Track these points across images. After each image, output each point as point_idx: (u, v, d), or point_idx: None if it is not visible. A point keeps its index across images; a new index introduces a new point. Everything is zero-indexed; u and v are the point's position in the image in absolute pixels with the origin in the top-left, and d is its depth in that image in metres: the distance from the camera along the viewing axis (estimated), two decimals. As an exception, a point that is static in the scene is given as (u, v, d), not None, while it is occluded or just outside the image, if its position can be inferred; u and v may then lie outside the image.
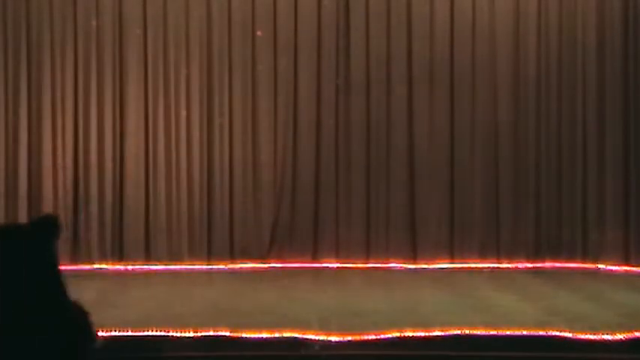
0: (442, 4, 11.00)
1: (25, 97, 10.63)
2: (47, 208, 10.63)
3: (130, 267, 10.62)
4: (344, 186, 10.97)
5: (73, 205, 10.71)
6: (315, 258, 10.87)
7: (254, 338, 7.10)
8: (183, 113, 10.91)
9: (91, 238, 10.71)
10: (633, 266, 10.65)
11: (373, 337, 7.12)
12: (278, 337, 7.11)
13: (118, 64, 10.81)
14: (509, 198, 11.02)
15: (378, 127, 11.00)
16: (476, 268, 10.76)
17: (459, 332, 7.22)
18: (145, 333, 7.18)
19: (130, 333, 7.17)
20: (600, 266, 10.77)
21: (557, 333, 7.21)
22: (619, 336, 7.15)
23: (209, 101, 10.93)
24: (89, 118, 10.77)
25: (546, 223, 11.01)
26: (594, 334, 7.16)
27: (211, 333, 7.17)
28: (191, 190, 10.89)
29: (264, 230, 10.93)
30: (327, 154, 10.96)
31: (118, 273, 10.43)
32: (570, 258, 10.91)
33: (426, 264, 10.81)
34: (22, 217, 10.56)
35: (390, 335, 7.13)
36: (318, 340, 7.08)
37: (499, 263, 10.89)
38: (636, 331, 7.24)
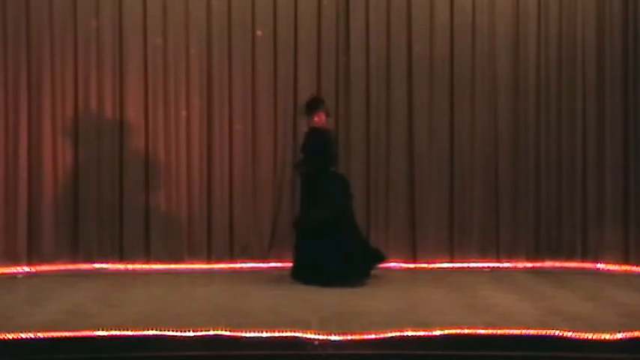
0: (442, 3, 11.00)
1: (25, 97, 10.64)
2: (47, 207, 10.64)
3: (130, 267, 10.63)
4: (344, 186, 10.97)
5: (73, 205, 10.71)
6: (315, 258, 10.86)
7: (254, 338, 7.10)
8: (183, 113, 10.91)
9: (91, 238, 10.71)
10: (633, 266, 10.66)
11: (373, 337, 7.11)
12: (278, 337, 7.11)
13: (117, 64, 10.81)
14: (509, 198, 11.02)
15: (378, 127, 11.00)
16: (476, 268, 10.77)
17: (459, 332, 7.22)
18: (145, 333, 7.18)
19: (130, 333, 7.17)
20: (600, 266, 10.77)
21: (557, 333, 7.20)
22: (619, 336, 7.15)
23: (209, 101, 10.94)
24: (89, 117, 10.76)
25: (546, 223, 11.02)
26: (594, 334, 7.16)
27: (211, 333, 7.17)
28: (191, 190, 10.89)
29: (264, 230, 10.93)
30: (327, 154, 10.96)
31: (118, 273, 10.43)
32: (570, 258, 10.93)
33: (426, 264, 10.83)
34: (22, 217, 10.57)
35: (390, 335, 7.13)
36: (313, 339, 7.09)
37: (499, 263, 10.90)
38: (636, 331, 7.24)
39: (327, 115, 9.90)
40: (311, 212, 9.63)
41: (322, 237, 9.47)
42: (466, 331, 7.24)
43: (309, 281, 9.41)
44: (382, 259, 9.84)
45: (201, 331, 7.18)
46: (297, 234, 9.82)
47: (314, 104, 9.87)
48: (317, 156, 9.66)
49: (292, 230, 10.06)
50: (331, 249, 9.44)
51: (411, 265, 10.82)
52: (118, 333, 7.15)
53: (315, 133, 9.74)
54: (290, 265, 9.87)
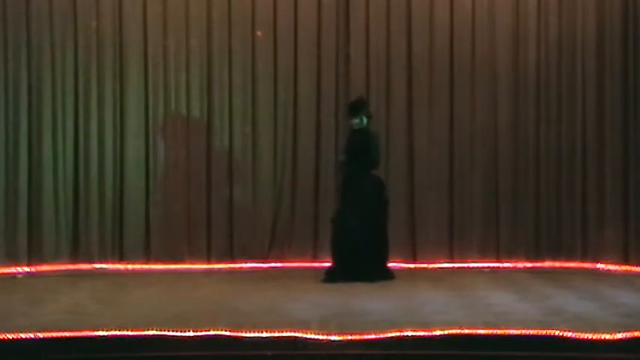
0: (442, 2, 11.00)
1: (25, 97, 10.63)
2: (47, 208, 10.63)
3: (130, 267, 10.63)
4: (344, 186, 10.97)
5: (73, 205, 10.71)
6: (315, 258, 10.86)
7: (254, 338, 7.10)
8: (184, 113, 10.91)
9: (91, 238, 10.71)
10: (633, 266, 10.65)
11: (373, 337, 7.11)
12: (278, 337, 7.11)
13: (118, 64, 10.81)
14: (508, 198, 11.02)
15: (378, 127, 10.98)
16: (476, 268, 10.77)
17: (459, 332, 7.22)
18: (145, 333, 7.18)
19: (130, 333, 7.17)
20: (600, 266, 10.77)
21: (557, 333, 7.20)
22: (619, 336, 7.15)
23: (209, 101, 10.94)
24: (89, 118, 10.77)
25: (546, 223, 11.01)
26: (594, 334, 7.15)
27: (211, 333, 7.17)
28: (191, 190, 10.88)
29: (264, 230, 10.93)
30: (327, 154, 10.95)
31: (118, 273, 10.43)
32: (570, 258, 10.92)
33: (426, 264, 10.82)
34: (22, 217, 10.57)
35: (390, 335, 7.13)
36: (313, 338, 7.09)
37: (499, 263, 10.90)
38: (636, 331, 7.24)
39: (370, 117, 9.91)
40: (345, 212, 9.70)
41: (354, 237, 9.54)
42: (466, 331, 7.24)
43: (344, 279, 9.47)
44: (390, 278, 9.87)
45: (202, 331, 7.17)
46: (333, 232, 9.87)
47: (358, 106, 9.90)
48: (357, 157, 9.70)
49: (330, 227, 10.10)
50: (359, 249, 9.53)
51: (411, 265, 10.81)
52: (118, 333, 7.14)
53: (358, 133, 9.78)
54: (290, 265, 9.90)
